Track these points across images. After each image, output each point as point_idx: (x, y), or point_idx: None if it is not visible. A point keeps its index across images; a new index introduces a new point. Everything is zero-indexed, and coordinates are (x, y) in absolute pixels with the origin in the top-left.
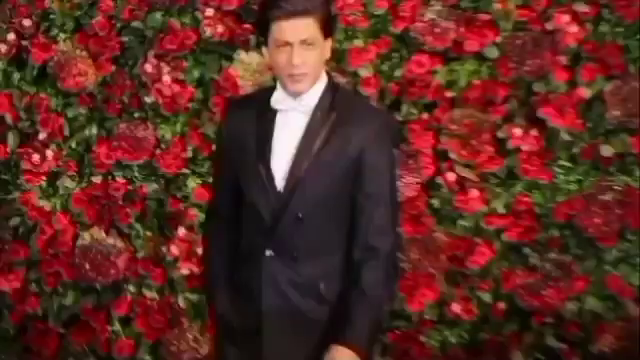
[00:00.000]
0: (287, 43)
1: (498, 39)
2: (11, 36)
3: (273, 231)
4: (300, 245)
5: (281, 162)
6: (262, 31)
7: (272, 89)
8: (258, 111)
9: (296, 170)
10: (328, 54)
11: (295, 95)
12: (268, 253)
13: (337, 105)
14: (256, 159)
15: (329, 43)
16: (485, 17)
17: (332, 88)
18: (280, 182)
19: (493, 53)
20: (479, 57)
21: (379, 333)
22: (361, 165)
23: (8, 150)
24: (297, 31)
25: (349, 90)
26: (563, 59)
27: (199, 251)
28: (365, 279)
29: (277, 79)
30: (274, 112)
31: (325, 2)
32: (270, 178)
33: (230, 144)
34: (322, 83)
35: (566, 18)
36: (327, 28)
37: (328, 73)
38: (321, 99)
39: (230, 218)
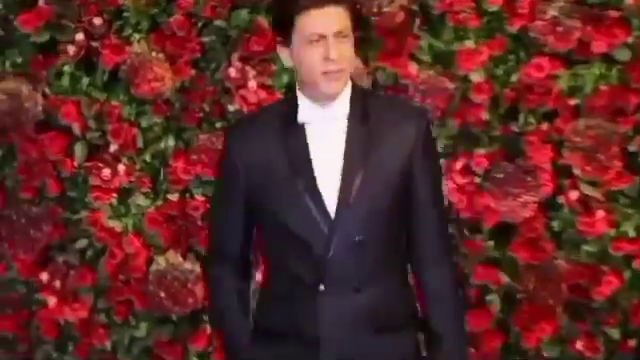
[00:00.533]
0: (320, 36)
1: (630, 39)
2: (79, 36)
3: (327, 261)
4: (360, 274)
5: (325, 182)
6: (282, 29)
7: (289, 101)
8: (280, 127)
9: (346, 188)
10: (354, 49)
11: (323, 104)
12: (321, 288)
13: (372, 109)
14: (295, 181)
15: (353, 37)
16: (615, 14)
17: (360, 91)
18: (329, 205)
19: (624, 55)
20: (608, 60)
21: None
22: (412, 171)
23: (75, 164)
24: (331, 21)
25: (376, 91)
26: None
27: None
28: (443, 291)
29: (299, 88)
30: (301, 127)
31: None
32: (317, 201)
33: (247, 169)
34: (348, 87)
35: None
36: (356, 19)
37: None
38: (352, 105)
39: (240, 259)
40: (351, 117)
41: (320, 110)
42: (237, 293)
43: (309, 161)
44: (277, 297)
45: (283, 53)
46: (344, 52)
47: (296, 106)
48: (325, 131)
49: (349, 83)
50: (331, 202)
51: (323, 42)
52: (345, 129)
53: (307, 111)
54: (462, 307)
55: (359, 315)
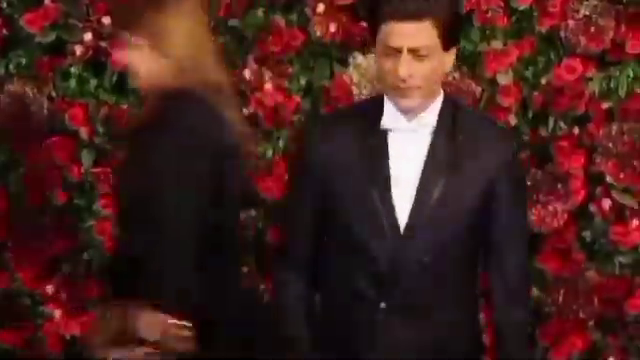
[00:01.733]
0: (394, 49)
1: None
2: (87, 36)
3: (391, 279)
4: (427, 297)
5: (400, 195)
6: (371, 30)
7: (375, 103)
8: (362, 130)
9: (421, 204)
10: (448, 68)
11: (409, 112)
12: (382, 305)
13: (461, 125)
14: (370, 191)
15: (452, 55)
16: None
17: (451, 104)
18: (401, 219)
19: None
20: None
21: None
22: (495, 196)
23: (82, 170)
24: (407, 37)
25: (470, 107)
26: None
27: None
28: (510, 342)
29: (384, 92)
30: (384, 132)
31: (449, 3)
32: (390, 214)
33: (325, 170)
34: (440, 98)
35: None
36: (450, 36)
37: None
38: (441, 118)
39: (309, 265)
40: (437, 130)
41: (406, 119)
42: (302, 300)
43: (387, 169)
44: (337, 309)
45: (372, 54)
46: (418, 70)
47: (381, 110)
48: (408, 141)
49: (440, 94)
50: (403, 217)
51: (397, 56)
52: (428, 141)
53: (392, 117)
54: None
55: (421, 343)
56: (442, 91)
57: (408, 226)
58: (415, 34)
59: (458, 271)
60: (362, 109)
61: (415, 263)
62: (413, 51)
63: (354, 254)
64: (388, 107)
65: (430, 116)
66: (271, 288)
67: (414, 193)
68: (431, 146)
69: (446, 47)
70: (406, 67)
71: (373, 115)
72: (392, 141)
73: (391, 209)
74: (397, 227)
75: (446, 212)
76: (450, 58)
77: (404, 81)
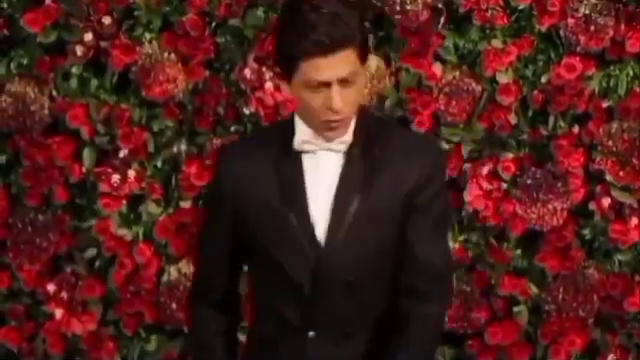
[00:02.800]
0: (322, 84)
1: None
2: (88, 37)
3: (316, 303)
4: (354, 318)
5: (318, 215)
6: (283, 64)
7: (284, 126)
8: (274, 153)
9: (337, 223)
10: (365, 81)
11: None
12: (311, 334)
13: (377, 138)
14: (286, 214)
15: (366, 68)
16: None
17: (368, 120)
18: (321, 239)
19: None
20: None
21: None
22: (416, 205)
23: (83, 170)
24: (336, 69)
25: (386, 117)
26: None
27: None
28: (416, 340)
29: (297, 115)
30: (297, 154)
31: (362, 22)
32: (309, 235)
33: (237, 200)
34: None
35: None
36: (365, 52)
37: None
38: (356, 133)
39: (227, 295)
40: (352, 148)
41: (319, 138)
42: (222, 334)
43: (303, 193)
44: (263, 341)
45: (283, 85)
46: (348, 98)
47: (293, 131)
48: (323, 160)
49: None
50: (322, 237)
51: (326, 90)
52: (343, 159)
53: (305, 138)
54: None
55: None
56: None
57: (327, 246)
58: (342, 64)
59: (383, 288)
60: (272, 132)
61: (339, 283)
62: (342, 81)
63: (278, 281)
64: (300, 127)
65: (345, 134)
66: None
67: (330, 213)
68: (345, 163)
69: (363, 63)
70: (339, 99)
71: (285, 136)
72: (306, 161)
73: (310, 230)
74: (317, 249)
75: (365, 228)
76: (365, 71)
77: (337, 113)
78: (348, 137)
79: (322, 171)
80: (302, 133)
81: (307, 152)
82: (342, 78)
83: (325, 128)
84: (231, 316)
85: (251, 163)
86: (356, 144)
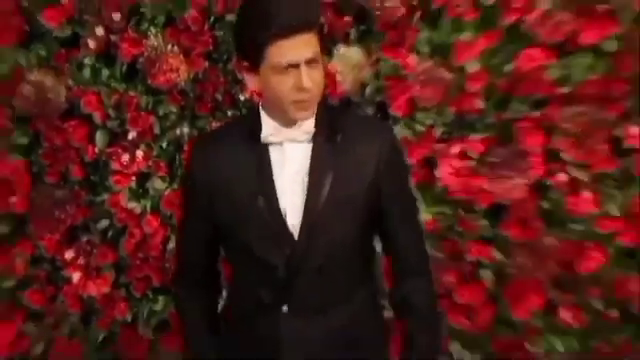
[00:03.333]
0: (291, 66)
1: (618, 31)
2: (99, 31)
3: (290, 284)
4: (325, 297)
5: (288, 204)
6: (250, 55)
7: (250, 119)
8: (242, 146)
9: (311, 209)
10: (326, 67)
11: (289, 124)
12: (284, 309)
13: (339, 127)
14: (257, 200)
15: (323, 61)
16: (604, 8)
17: (328, 108)
18: (293, 227)
19: (612, 46)
20: (596, 51)
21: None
22: (382, 187)
23: (96, 150)
24: (302, 49)
25: (342, 105)
26: None
27: None
28: (420, 306)
29: (263, 108)
30: (264, 146)
31: (319, 10)
32: (279, 221)
33: (210, 188)
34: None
35: None
36: (322, 35)
37: None
38: (319, 123)
39: (207, 274)
40: (317, 136)
41: (284, 130)
42: (204, 312)
43: (271, 180)
44: (239, 318)
45: (249, 77)
46: (316, 78)
47: (259, 124)
48: (289, 150)
49: None
50: (295, 223)
51: (294, 71)
52: (309, 148)
53: (271, 130)
54: (438, 320)
55: (325, 337)
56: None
57: (301, 232)
58: (307, 45)
59: (354, 267)
60: (240, 125)
61: (311, 266)
62: (308, 62)
63: (252, 263)
64: (266, 121)
65: (307, 124)
66: (175, 308)
67: (301, 200)
68: (312, 151)
69: (323, 51)
70: (308, 78)
71: (252, 130)
72: (273, 153)
73: (280, 218)
74: (289, 234)
75: (336, 213)
76: (323, 62)
77: (307, 92)
78: (310, 127)
79: (288, 161)
80: (268, 126)
81: (273, 144)
82: (309, 59)
83: (296, 109)
84: (212, 291)
85: (221, 153)
86: (319, 133)
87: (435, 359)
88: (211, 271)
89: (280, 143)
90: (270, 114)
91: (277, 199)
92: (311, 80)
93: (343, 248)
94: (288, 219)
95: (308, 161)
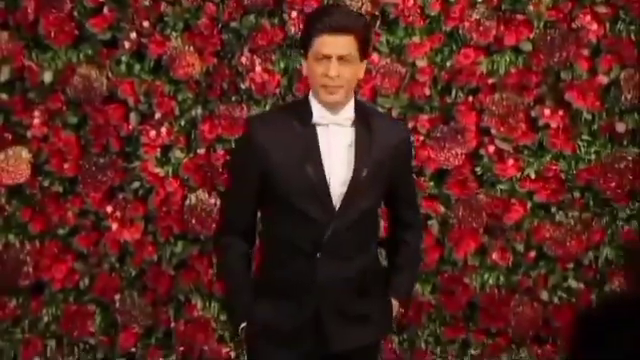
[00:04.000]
0: (325, 56)
1: (532, 35)
2: (133, 35)
3: (325, 237)
4: (351, 246)
5: (333, 174)
6: (304, 44)
7: (300, 105)
8: (294, 125)
9: (356, 182)
10: (362, 74)
11: (333, 109)
12: (318, 255)
13: (367, 117)
14: (304, 166)
15: (364, 65)
16: (521, 17)
17: (360, 103)
18: (334, 194)
19: (527, 47)
20: (516, 50)
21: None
22: (398, 168)
23: (130, 127)
24: (337, 46)
25: (370, 106)
26: (586, 52)
27: None
28: (412, 244)
29: (312, 94)
30: (313, 126)
31: (366, 24)
32: (324, 190)
33: (265, 150)
34: (353, 99)
35: (588, 18)
36: (364, 49)
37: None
38: (357, 113)
39: (247, 231)
40: (356, 122)
41: (331, 115)
42: (245, 257)
43: (318, 154)
44: (278, 263)
45: (304, 64)
46: (343, 72)
47: (310, 108)
48: (334, 132)
49: (352, 95)
50: (336, 191)
51: (327, 62)
52: (349, 131)
53: (320, 114)
54: (419, 260)
55: (351, 278)
56: (354, 94)
57: (343, 199)
58: (342, 44)
59: (372, 225)
60: (291, 108)
61: (344, 225)
62: (340, 58)
63: (295, 219)
64: (315, 105)
65: (349, 112)
66: (215, 251)
67: (345, 172)
68: (356, 134)
69: (362, 58)
70: (335, 69)
71: (303, 112)
72: (320, 132)
73: (325, 185)
74: (331, 199)
75: (370, 185)
76: (363, 67)
77: (332, 80)
78: (351, 114)
79: (333, 139)
80: (317, 110)
81: (321, 125)
82: (340, 55)
83: (324, 92)
84: (250, 242)
85: (274, 130)
86: (358, 120)
87: (408, 297)
88: (251, 225)
89: (327, 125)
90: (316, 99)
91: (323, 169)
92: (338, 72)
93: (369, 213)
94: (331, 187)
95: (348, 141)
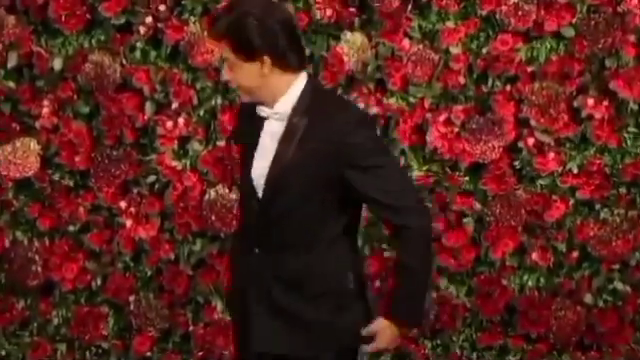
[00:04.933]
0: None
1: (574, 20)
2: (148, 19)
3: (258, 231)
4: (285, 242)
5: (257, 168)
6: None
7: None
8: (254, 116)
9: (272, 175)
10: (259, 73)
11: (267, 104)
12: (257, 250)
13: (313, 109)
14: (249, 160)
15: (257, 64)
16: (563, 0)
17: (310, 93)
18: (258, 186)
19: (569, 32)
20: (557, 36)
21: (421, 302)
22: (343, 169)
23: (146, 118)
24: (219, 52)
25: (329, 91)
26: (632, 37)
27: None
28: (402, 255)
29: None
30: (262, 118)
31: (235, 27)
32: (249, 183)
33: (240, 142)
34: (293, 92)
35: (635, 1)
36: (243, 51)
37: (310, 76)
38: (296, 106)
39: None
40: (291, 115)
41: (268, 108)
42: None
43: (255, 145)
44: (233, 254)
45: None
46: (233, 76)
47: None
48: (270, 125)
49: (296, 87)
50: (259, 183)
51: None
52: (282, 126)
53: (262, 108)
54: (419, 272)
55: (284, 278)
56: (303, 85)
57: (264, 195)
58: (221, 50)
59: (312, 227)
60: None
61: (270, 222)
62: (225, 60)
63: (242, 211)
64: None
65: (284, 105)
66: None
67: (265, 168)
68: (286, 127)
69: (246, 59)
70: (226, 73)
71: (255, 105)
72: (264, 126)
73: (250, 178)
74: (255, 192)
75: (292, 185)
76: (255, 66)
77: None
78: (283, 109)
79: (269, 135)
80: (262, 104)
81: (267, 118)
82: (224, 57)
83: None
84: None
85: (244, 122)
86: (295, 113)
87: (406, 317)
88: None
89: (267, 118)
90: None
91: (252, 165)
92: (228, 76)
93: (301, 212)
94: (255, 181)
95: (278, 136)
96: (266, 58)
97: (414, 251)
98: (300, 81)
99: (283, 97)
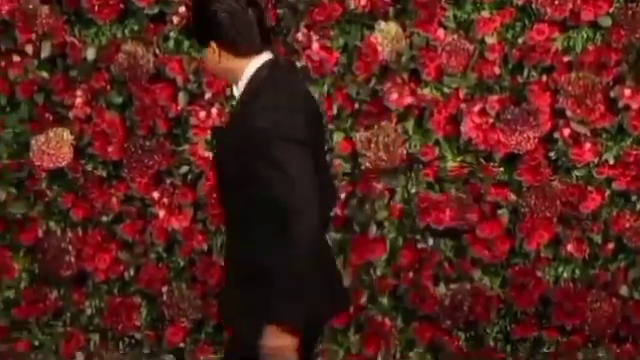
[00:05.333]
0: None
1: (611, 9)
2: (182, 9)
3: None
4: (232, 233)
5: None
6: None
7: None
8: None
9: (216, 164)
10: (213, 58)
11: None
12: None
13: (248, 102)
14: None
15: (210, 51)
16: None
17: (261, 78)
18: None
19: (607, 22)
20: (594, 25)
21: (292, 298)
22: (249, 164)
23: (179, 108)
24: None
25: (280, 75)
26: None
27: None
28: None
29: None
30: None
31: (192, 16)
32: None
33: None
34: (245, 77)
35: None
36: (196, 38)
37: (272, 61)
38: (245, 89)
39: None
40: (240, 98)
41: (235, 89)
42: None
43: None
44: None
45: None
46: (205, 62)
47: None
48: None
49: (248, 72)
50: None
51: None
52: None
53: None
54: (275, 272)
55: (231, 264)
56: (253, 69)
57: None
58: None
59: (248, 216)
60: None
61: (223, 208)
62: None
63: None
64: None
65: (237, 91)
66: None
67: None
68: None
69: (200, 45)
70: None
71: None
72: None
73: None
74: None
75: (224, 171)
76: (210, 52)
77: None
78: (238, 93)
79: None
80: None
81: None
82: None
83: None
84: None
85: None
86: (242, 96)
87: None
88: None
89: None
90: None
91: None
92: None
93: (236, 199)
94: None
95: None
96: (213, 44)
97: (278, 251)
98: (253, 65)
99: (241, 82)
